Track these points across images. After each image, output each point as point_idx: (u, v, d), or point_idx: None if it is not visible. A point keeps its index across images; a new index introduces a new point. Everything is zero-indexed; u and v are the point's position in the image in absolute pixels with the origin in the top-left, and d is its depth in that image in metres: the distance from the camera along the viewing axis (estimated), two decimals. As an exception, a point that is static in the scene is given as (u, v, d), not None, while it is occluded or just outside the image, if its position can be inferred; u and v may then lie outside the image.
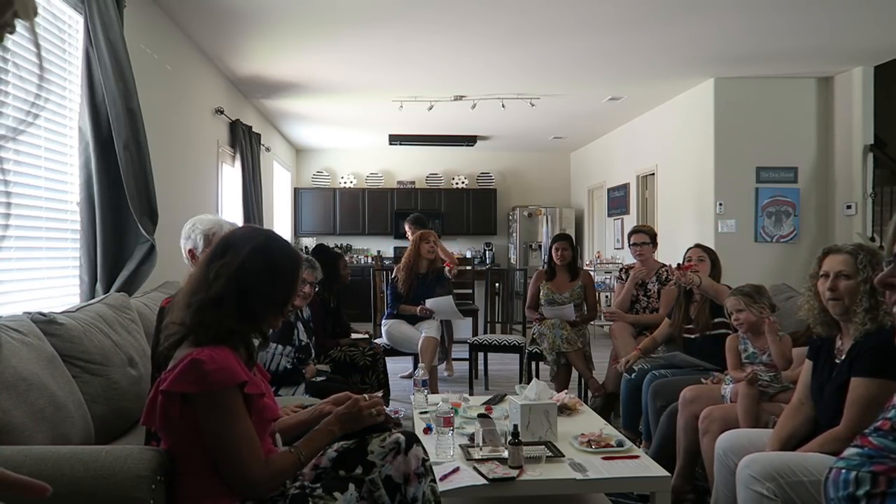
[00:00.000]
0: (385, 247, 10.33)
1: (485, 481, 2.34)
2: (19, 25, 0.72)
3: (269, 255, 1.75)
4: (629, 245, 4.66)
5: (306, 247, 9.43)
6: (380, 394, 2.06)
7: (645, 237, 4.60)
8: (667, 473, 2.49)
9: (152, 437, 2.35)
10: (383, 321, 5.11)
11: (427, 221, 6.90)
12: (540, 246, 9.88)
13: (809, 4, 4.38)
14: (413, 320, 5.04)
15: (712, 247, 6.31)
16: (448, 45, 5.22)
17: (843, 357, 2.27)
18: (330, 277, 4.21)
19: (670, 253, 6.59)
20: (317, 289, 3.72)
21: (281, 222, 9.00)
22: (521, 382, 4.32)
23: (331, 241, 9.51)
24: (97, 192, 3.14)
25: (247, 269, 1.70)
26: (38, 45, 0.78)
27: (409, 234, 6.76)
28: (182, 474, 1.68)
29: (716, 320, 3.70)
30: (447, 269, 5.41)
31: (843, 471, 1.40)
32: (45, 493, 0.89)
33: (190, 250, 2.53)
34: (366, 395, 1.96)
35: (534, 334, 4.86)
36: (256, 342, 1.84)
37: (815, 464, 2.03)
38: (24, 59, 2.83)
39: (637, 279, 4.57)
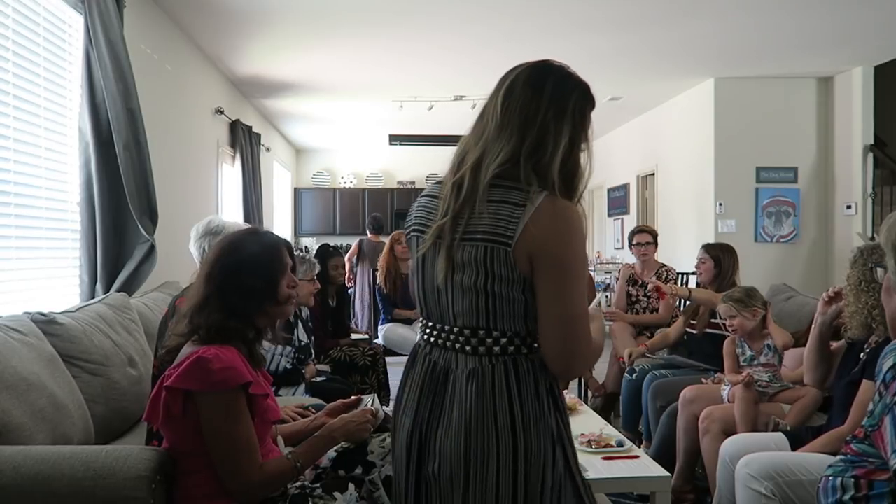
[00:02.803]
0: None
1: (485, 481, 2.34)
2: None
3: (239, 247, 1.74)
4: (632, 245, 4.65)
5: (306, 247, 9.43)
6: (369, 399, 2.05)
7: (648, 237, 4.61)
8: (667, 473, 2.49)
9: (153, 437, 2.35)
10: (379, 326, 5.11)
11: (384, 222, 7.30)
12: (540, 246, 9.87)
13: (809, 4, 4.37)
14: (409, 321, 5.05)
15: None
16: (448, 45, 5.22)
17: (865, 353, 2.28)
18: (319, 277, 4.17)
19: (670, 253, 6.59)
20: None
21: (281, 222, 9.00)
22: (520, 382, 4.31)
23: (331, 242, 9.51)
24: (97, 192, 3.14)
25: (220, 265, 1.71)
26: None
27: (370, 237, 7.07)
28: (183, 473, 1.68)
29: (713, 320, 3.72)
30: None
31: (831, 478, 1.44)
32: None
33: None
34: (361, 398, 1.96)
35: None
36: (266, 344, 1.85)
37: (813, 463, 2.03)
38: (24, 59, 2.84)
39: (627, 277, 4.59)
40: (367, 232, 7.49)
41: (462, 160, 1.35)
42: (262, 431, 1.72)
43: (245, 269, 1.71)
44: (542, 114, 1.31)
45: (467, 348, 1.31)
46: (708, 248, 4.00)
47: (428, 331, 1.39)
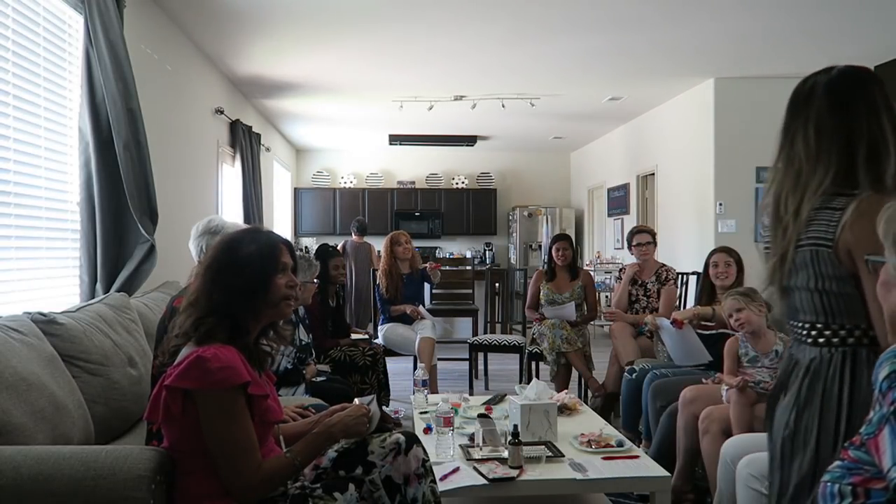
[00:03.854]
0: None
1: (485, 481, 2.34)
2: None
3: (234, 247, 1.73)
4: (632, 246, 4.64)
5: (306, 247, 9.43)
6: (368, 399, 2.03)
7: (648, 237, 4.62)
8: (667, 473, 2.49)
9: (153, 437, 2.35)
10: (380, 326, 5.11)
11: (367, 225, 8.02)
12: (540, 246, 9.88)
13: (809, 4, 4.38)
14: (409, 321, 5.04)
15: (712, 247, 6.29)
16: (448, 45, 5.22)
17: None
18: (320, 277, 4.17)
19: (670, 253, 6.59)
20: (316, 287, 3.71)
21: (281, 222, 9.00)
22: (521, 382, 4.32)
23: (331, 242, 9.52)
24: (97, 192, 3.14)
25: (214, 264, 1.71)
26: None
27: (354, 238, 7.77)
28: (183, 473, 1.68)
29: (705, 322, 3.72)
30: (430, 269, 5.23)
31: (829, 484, 1.44)
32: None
33: None
34: (356, 400, 1.96)
35: (534, 334, 4.87)
36: (273, 346, 1.85)
37: (815, 464, 2.03)
38: (24, 59, 2.84)
39: (630, 277, 4.59)
40: (352, 233, 7.85)
41: (784, 203, 1.49)
42: (263, 432, 1.72)
43: (230, 269, 1.70)
44: (864, 127, 1.43)
45: (808, 340, 1.48)
46: (729, 250, 3.81)
47: (791, 329, 1.58)
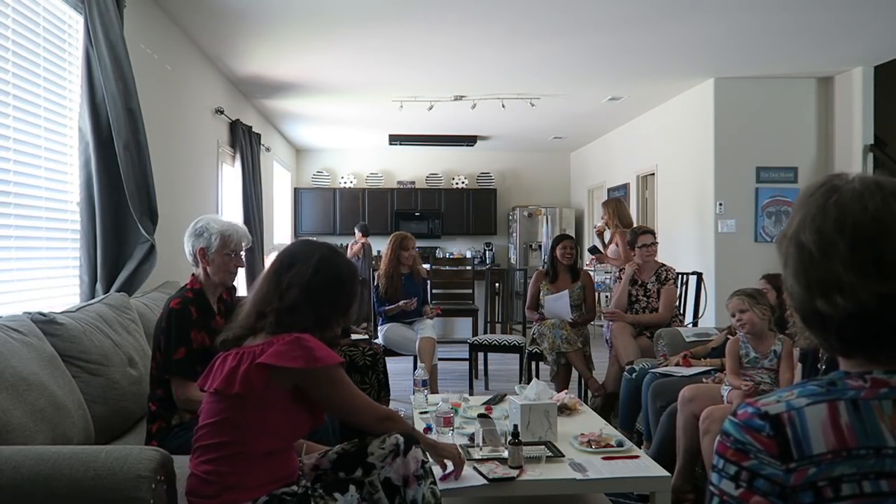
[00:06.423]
0: (385, 247, 10.32)
1: (485, 481, 2.34)
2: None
3: (335, 266, 1.94)
4: (637, 247, 4.62)
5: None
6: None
7: (652, 237, 4.62)
8: (667, 473, 2.49)
9: (152, 437, 2.35)
10: (379, 326, 5.10)
11: (368, 228, 8.60)
12: (540, 246, 9.87)
13: (809, 4, 4.37)
14: (409, 321, 5.04)
15: (712, 247, 6.29)
16: (448, 45, 5.21)
17: (823, 363, 2.30)
18: None
19: (670, 253, 6.58)
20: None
21: (281, 222, 9.00)
22: (521, 382, 4.32)
23: (331, 241, 9.52)
24: (97, 192, 3.14)
25: (317, 279, 1.87)
26: None
27: (359, 238, 8.24)
28: (237, 454, 1.73)
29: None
30: (429, 312, 5.17)
31: None
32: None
33: (202, 249, 2.52)
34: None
35: (534, 334, 4.86)
36: None
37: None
38: (24, 59, 2.84)
39: (630, 277, 4.59)
40: (360, 234, 8.39)
41: None
42: (314, 424, 1.89)
43: (343, 288, 1.94)
44: None
45: None
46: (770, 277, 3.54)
47: None
